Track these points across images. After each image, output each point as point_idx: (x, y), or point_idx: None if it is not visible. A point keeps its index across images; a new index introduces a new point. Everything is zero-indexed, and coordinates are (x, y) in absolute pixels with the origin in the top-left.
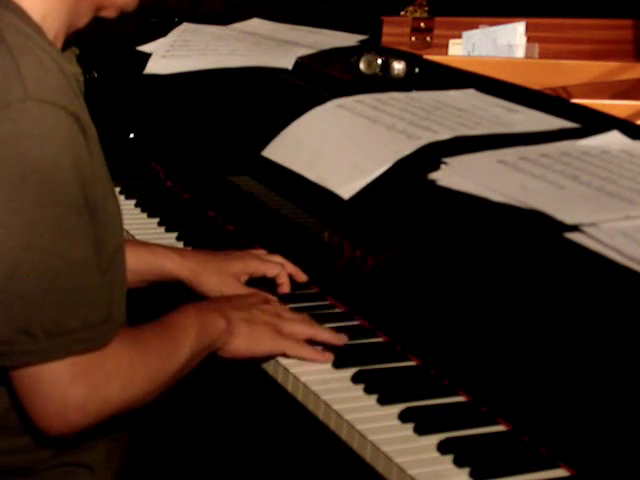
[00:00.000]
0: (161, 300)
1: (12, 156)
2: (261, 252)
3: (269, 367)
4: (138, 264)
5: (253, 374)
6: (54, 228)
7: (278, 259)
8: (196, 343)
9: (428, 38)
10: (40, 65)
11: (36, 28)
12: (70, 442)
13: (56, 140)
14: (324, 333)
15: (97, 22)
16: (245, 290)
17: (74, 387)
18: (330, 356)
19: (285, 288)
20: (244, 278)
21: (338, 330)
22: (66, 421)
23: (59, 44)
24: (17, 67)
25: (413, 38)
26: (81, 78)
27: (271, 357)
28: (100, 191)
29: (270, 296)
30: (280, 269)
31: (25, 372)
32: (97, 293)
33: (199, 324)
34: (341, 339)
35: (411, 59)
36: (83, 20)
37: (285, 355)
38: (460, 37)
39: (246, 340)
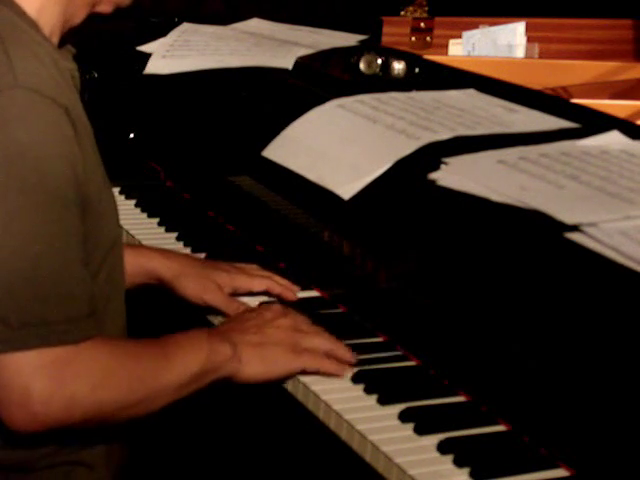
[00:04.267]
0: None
1: None
2: (252, 267)
3: None
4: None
5: None
6: (36, 215)
7: (266, 274)
8: (194, 365)
9: (428, 38)
10: (33, 57)
11: (31, 23)
12: (47, 439)
13: (43, 129)
14: (341, 349)
15: (98, 21)
16: (226, 301)
17: (39, 378)
18: (348, 369)
19: (287, 297)
20: (227, 291)
21: (338, 330)
22: (29, 414)
23: (55, 40)
24: (9, 58)
25: (413, 38)
26: (76, 74)
27: (291, 376)
28: (94, 186)
29: (287, 307)
30: (268, 284)
31: None
32: (79, 286)
33: (201, 348)
34: (354, 358)
35: (411, 59)
36: (79, 15)
37: (304, 371)
38: (460, 37)
39: (260, 365)
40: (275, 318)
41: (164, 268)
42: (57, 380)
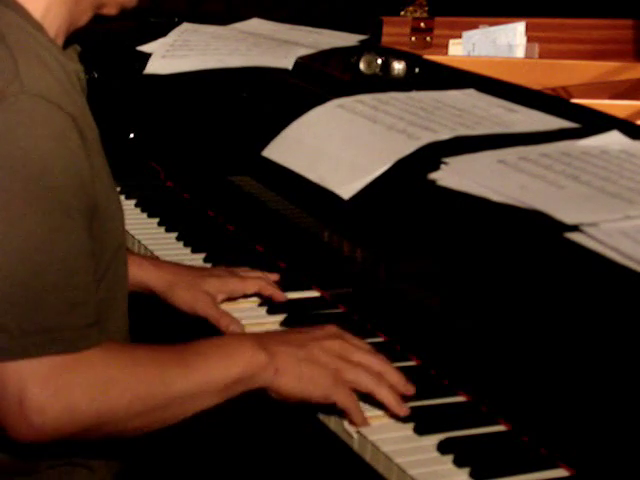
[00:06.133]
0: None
1: (2, 147)
2: (243, 269)
3: None
4: None
5: None
6: (40, 223)
7: (258, 274)
8: (219, 372)
9: (428, 38)
10: (39, 64)
11: (37, 26)
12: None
13: (48, 136)
14: (394, 375)
15: (98, 21)
16: (218, 313)
17: (34, 387)
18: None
19: (278, 297)
20: (221, 297)
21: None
22: (26, 423)
23: (60, 42)
24: (15, 65)
25: (413, 38)
26: (82, 76)
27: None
28: (101, 191)
29: (342, 332)
30: (260, 284)
31: None
32: (82, 295)
33: (228, 353)
34: (409, 389)
35: (411, 59)
36: (84, 18)
37: (335, 405)
38: (460, 37)
39: (295, 381)
40: (325, 338)
41: (155, 279)
42: (53, 389)
